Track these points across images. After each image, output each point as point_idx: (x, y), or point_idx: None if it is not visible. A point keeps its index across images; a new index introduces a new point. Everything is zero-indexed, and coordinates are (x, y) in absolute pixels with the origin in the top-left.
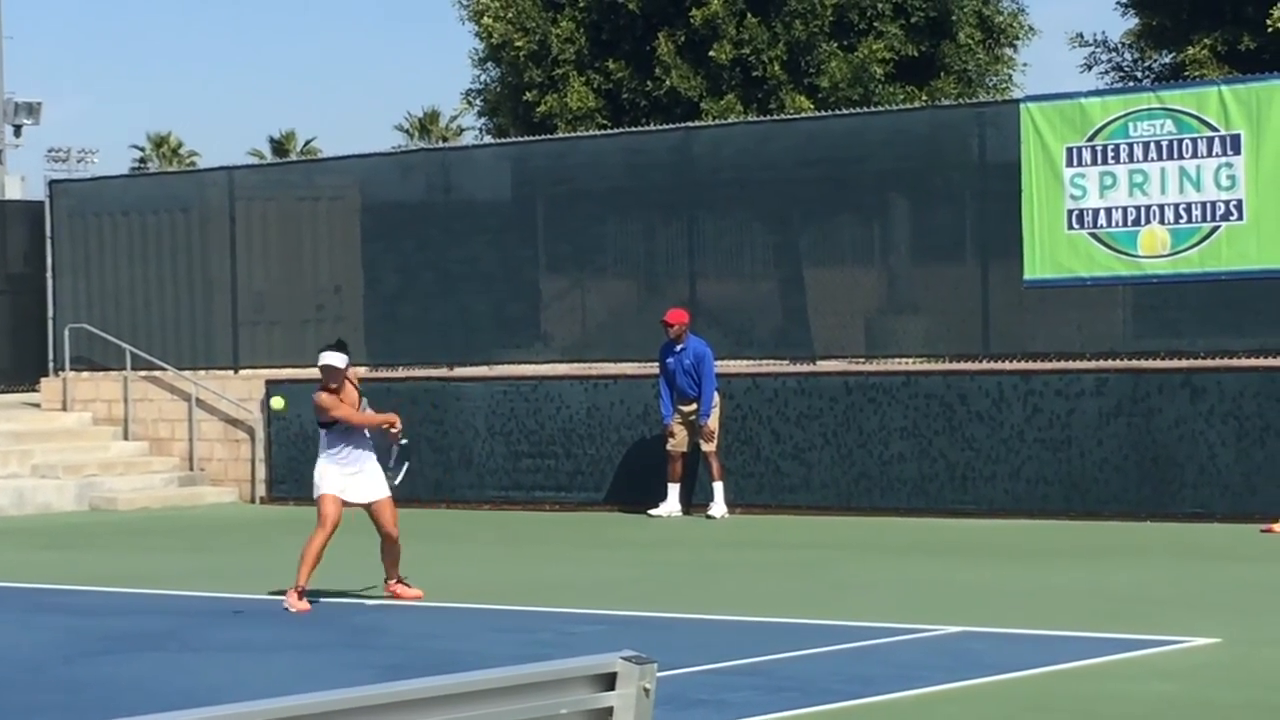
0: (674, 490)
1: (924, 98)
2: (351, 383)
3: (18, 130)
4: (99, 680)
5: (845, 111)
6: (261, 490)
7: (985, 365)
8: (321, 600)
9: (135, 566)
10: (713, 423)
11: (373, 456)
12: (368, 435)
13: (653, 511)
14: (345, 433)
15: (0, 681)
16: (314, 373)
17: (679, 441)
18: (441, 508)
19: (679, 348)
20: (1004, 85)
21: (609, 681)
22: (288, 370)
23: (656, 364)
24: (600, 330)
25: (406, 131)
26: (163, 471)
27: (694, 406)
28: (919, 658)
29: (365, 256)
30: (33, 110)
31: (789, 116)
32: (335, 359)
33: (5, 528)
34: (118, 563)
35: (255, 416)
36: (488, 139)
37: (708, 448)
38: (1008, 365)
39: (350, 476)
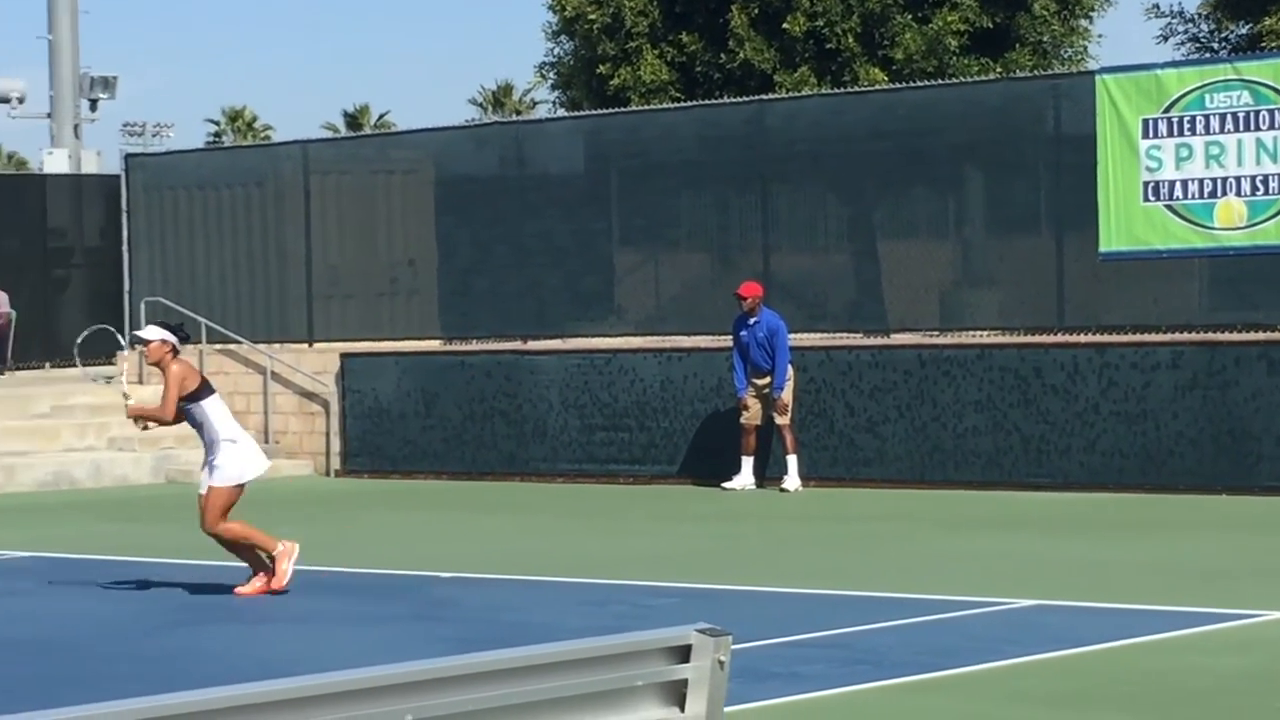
0: (747, 463)
1: (999, 70)
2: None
3: (94, 105)
4: (178, 651)
5: (919, 84)
6: (336, 463)
7: (1060, 338)
8: (395, 573)
9: (209, 539)
10: (786, 396)
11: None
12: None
13: (726, 485)
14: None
15: (80, 651)
16: (388, 346)
17: (753, 415)
18: (515, 480)
19: (752, 320)
20: (1079, 57)
21: (684, 654)
22: (362, 344)
23: (730, 337)
24: (674, 303)
25: (480, 105)
26: None
27: (767, 380)
28: (992, 631)
29: (439, 230)
30: (109, 84)
31: (863, 89)
32: (146, 333)
33: (83, 500)
34: (194, 535)
35: (330, 390)
36: (561, 112)
37: (781, 421)
38: (1083, 338)
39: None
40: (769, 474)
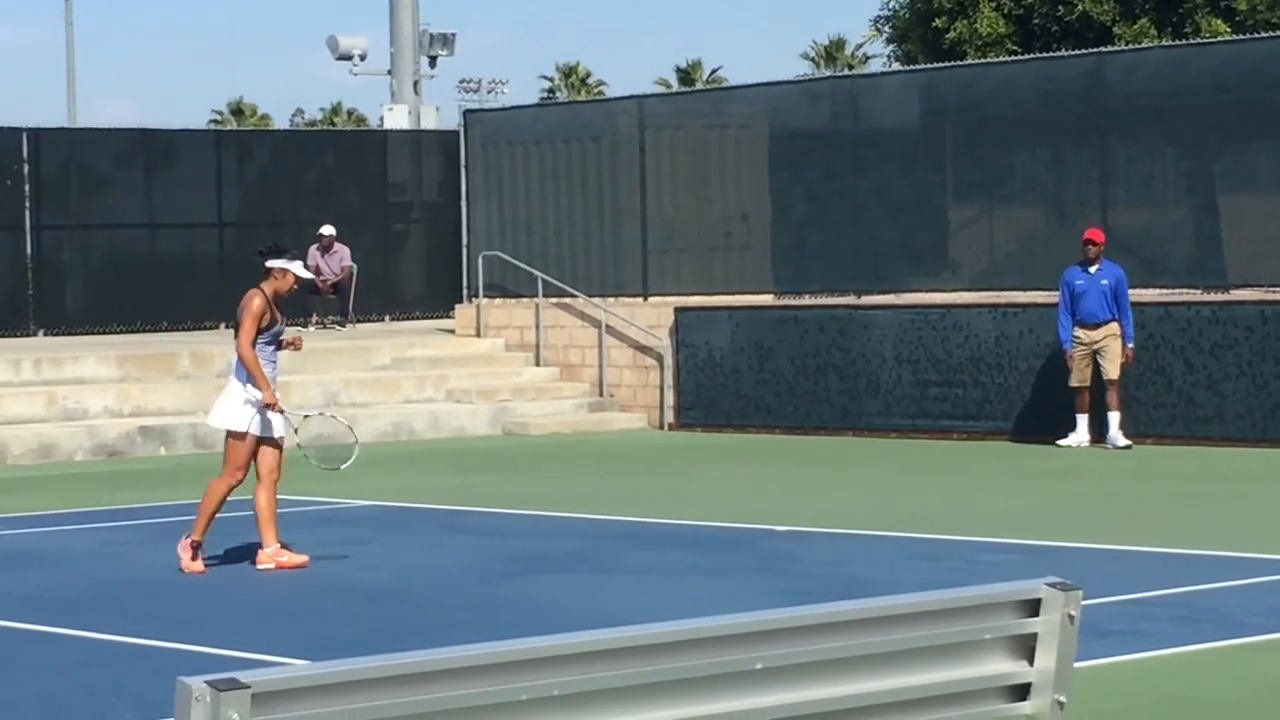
0: (1082, 421)
1: None
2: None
3: (433, 61)
4: (513, 600)
5: (1263, 35)
6: (670, 416)
7: None
8: (733, 526)
9: (546, 489)
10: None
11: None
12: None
13: (1061, 442)
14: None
15: (418, 600)
16: (722, 300)
17: (1084, 376)
18: (847, 435)
19: (1094, 269)
20: None
21: (1033, 608)
22: (696, 297)
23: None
24: (1008, 258)
25: (813, 59)
26: (573, 397)
27: (1102, 332)
28: None
29: (773, 184)
30: (447, 41)
31: (1205, 40)
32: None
33: (421, 450)
34: (529, 485)
35: (664, 343)
36: (895, 66)
37: (1114, 374)
38: None
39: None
40: (1101, 431)
